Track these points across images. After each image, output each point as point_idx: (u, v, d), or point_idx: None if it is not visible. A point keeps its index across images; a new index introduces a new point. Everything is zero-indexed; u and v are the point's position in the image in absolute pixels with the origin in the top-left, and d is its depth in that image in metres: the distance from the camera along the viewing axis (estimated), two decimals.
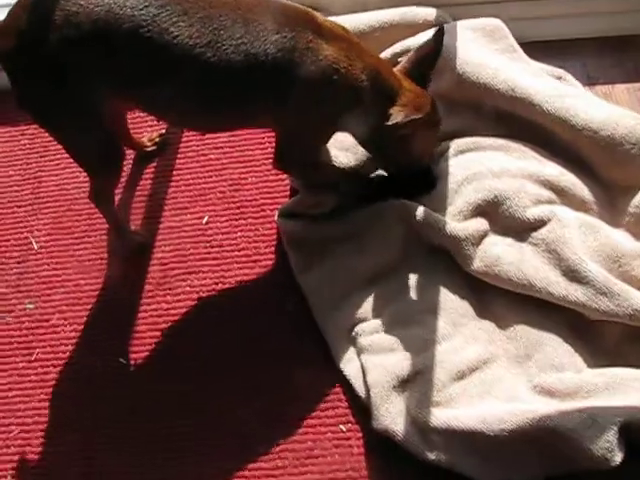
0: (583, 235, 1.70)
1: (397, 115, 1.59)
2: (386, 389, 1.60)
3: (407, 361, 1.64)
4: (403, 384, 1.61)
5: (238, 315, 1.83)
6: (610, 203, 1.82)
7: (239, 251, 1.93)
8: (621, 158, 1.78)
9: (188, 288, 1.89)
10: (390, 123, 1.59)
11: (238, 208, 1.99)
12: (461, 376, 1.63)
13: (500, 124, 1.88)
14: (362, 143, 1.75)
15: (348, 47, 1.59)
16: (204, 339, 1.82)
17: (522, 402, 1.57)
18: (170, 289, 1.89)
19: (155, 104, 1.63)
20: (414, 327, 1.69)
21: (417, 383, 1.61)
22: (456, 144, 1.87)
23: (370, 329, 1.71)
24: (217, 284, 1.89)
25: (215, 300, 1.86)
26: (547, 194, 1.77)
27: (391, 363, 1.64)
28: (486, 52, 1.92)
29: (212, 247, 1.94)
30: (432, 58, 1.69)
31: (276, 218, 1.89)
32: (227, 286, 1.88)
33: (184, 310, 1.86)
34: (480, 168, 1.79)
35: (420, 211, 1.75)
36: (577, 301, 1.63)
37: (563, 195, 1.78)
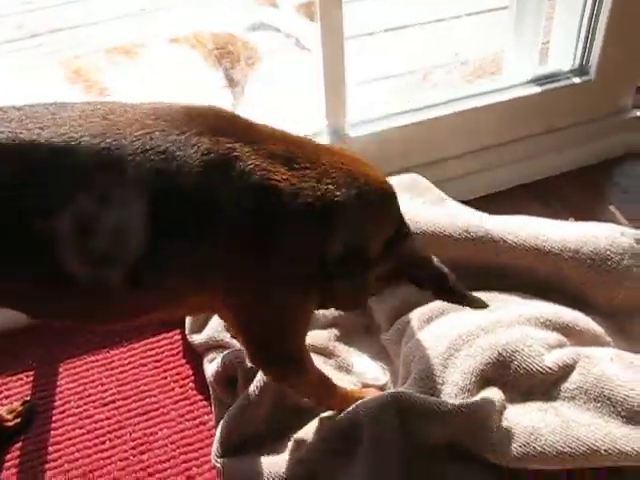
0: (621, 369, 1.28)
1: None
2: None
3: None
4: None
5: None
6: (620, 332, 1.45)
7: None
8: (613, 274, 1.45)
9: None
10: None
11: (151, 475, 1.39)
12: None
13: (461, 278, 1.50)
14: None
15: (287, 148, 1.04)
16: None
17: None
18: None
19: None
20: None
21: None
22: (418, 313, 1.45)
23: None
24: None
25: None
26: (554, 336, 1.36)
27: None
28: (416, 205, 1.59)
29: None
30: None
31: (214, 462, 1.32)
32: None
33: None
34: (463, 329, 1.37)
35: (408, 397, 1.26)
36: None
37: (571, 334, 1.38)
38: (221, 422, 1.34)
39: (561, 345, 1.35)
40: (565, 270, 1.46)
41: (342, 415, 1.30)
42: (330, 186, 1.02)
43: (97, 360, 1.61)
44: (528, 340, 1.31)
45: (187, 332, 1.57)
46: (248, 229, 0.98)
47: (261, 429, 1.33)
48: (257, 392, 1.34)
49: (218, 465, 1.30)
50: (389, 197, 1.12)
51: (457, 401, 1.26)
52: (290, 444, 1.30)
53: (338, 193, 1.03)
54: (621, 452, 1.17)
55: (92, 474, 1.41)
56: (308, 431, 1.33)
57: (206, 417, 1.48)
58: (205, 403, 1.50)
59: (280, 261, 1.01)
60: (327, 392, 1.31)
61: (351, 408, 1.29)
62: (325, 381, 1.30)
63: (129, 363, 1.60)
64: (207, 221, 0.97)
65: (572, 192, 2.00)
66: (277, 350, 1.14)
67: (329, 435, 1.28)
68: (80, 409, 1.52)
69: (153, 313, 1.11)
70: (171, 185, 0.94)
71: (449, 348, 1.34)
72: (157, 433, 1.46)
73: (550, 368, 1.28)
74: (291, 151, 1.03)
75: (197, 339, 1.54)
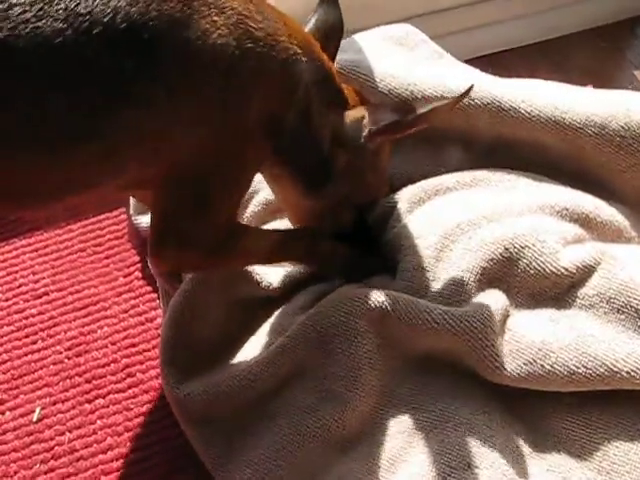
0: None
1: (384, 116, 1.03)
2: None
3: None
4: None
5: None
6: None
7: (104, 452, 1.12)
8: None
9: None
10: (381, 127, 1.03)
11: (88, 382, 1.20)
12: None
13: (461, 151, 1.26)
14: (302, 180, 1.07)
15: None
16: None
17: None
18: None
19: None
20: None
21: None
22: (408, 194, 1.20)
23: None
24: None
25: None
26: (572, 229, 1.13)
27: None
28: (409, 62, 1.31)
29: (56, 459, 1.12)
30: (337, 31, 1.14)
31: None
32: None
33: None
34: (462, 217, 1.13)
35: (389, 300, 1.05)
36: None
37: (591, 226, 1.15)
38: (164, 320, 1.13)
39: (580, 240, 1.12)
40: (587, 150, 1.22)
41: (307, 318, 1.08)
42: (297, 49, 0.97)
43: (29, 244, 1.38)
44: (541, 234, 1.08)
45: (132, 213, 1.33)
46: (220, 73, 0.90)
47: (210, 331, 1.13)
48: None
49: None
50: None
51: (451, 306, 1.05)
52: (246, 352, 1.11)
53: (305, 59, 0.98)
54: None
55: (21, 379, 1.21)
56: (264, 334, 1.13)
57: (153, 313, 1.28)
58: (153, 296, 1.29)
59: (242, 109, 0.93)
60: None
61: (317, 312, 1.08)
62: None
63: (65, 248, 1.37)
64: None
65: (588, 54, 1.75)
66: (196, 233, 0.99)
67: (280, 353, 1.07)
68: (8, 302, 1.30)
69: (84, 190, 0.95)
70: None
71: (444, 238, 1.11)
72: (96, 331, 1.26)
73: (566, 269, 1.06)
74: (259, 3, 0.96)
75: (144, 222, 1.30)
